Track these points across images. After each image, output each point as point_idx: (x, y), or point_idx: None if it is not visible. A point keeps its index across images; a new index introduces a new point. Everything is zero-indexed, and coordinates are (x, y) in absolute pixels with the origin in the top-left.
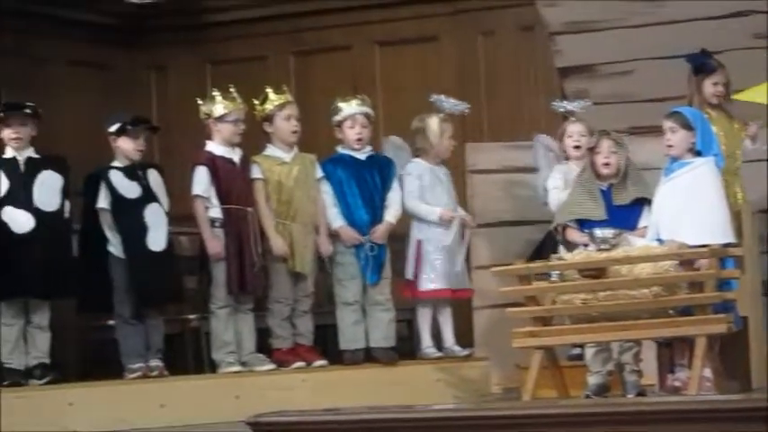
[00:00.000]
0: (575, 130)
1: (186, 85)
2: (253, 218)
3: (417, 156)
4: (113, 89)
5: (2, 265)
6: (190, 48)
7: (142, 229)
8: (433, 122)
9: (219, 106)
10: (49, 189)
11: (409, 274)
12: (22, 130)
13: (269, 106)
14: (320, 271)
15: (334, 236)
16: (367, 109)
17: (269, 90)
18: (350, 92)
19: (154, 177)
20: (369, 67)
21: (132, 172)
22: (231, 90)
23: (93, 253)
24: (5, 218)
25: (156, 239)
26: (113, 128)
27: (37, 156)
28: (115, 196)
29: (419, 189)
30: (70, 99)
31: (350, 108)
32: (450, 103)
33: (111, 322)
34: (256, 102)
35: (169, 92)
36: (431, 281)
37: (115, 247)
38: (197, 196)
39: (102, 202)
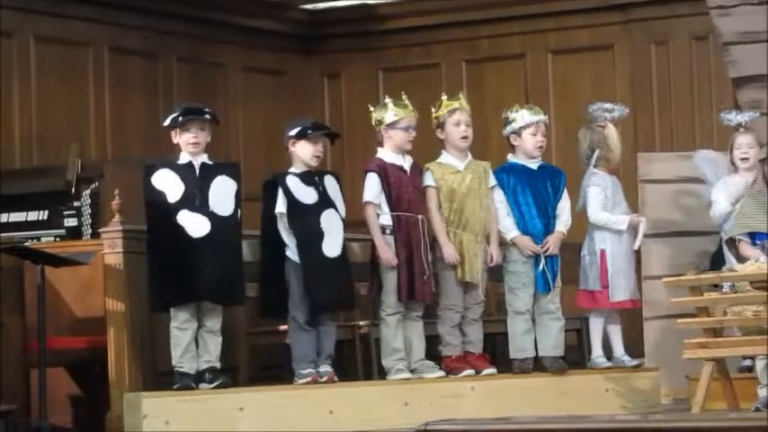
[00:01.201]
0: (743, 142)
1: (358, 92)
2: (423, 225)
3: (595, 166)
4: (287, 95)
5: (177, 268)
6: (362, 55)
7: (318, 235)
8: (613, 131)
9: (391, 113)
10: (223, 194)
11: (592, 285)
12: (201, 135)
13: (441, 112)
14: (490, 279)
15: (503, 244)
16: (546, 117)
17: (444, 96)
18: (522, 100)
19: (331, 184)
20: (541, 76)
21: (309, 178)
22: (403, 97)
23: (273, 258)
24: (182, 222)
25: (332, 245)
26: (294, 131)
27: (211, 162)
28: (292, 201)
29: (605, 200)
30: (244, 105)
31: (534, 115)
32: (616, 110)
33: (281, 327)
34: (433, 108)
35: (342, 98)
36: (618, 291)
37: (292, 252)
38: (368, 203)
39: (280, 206)
